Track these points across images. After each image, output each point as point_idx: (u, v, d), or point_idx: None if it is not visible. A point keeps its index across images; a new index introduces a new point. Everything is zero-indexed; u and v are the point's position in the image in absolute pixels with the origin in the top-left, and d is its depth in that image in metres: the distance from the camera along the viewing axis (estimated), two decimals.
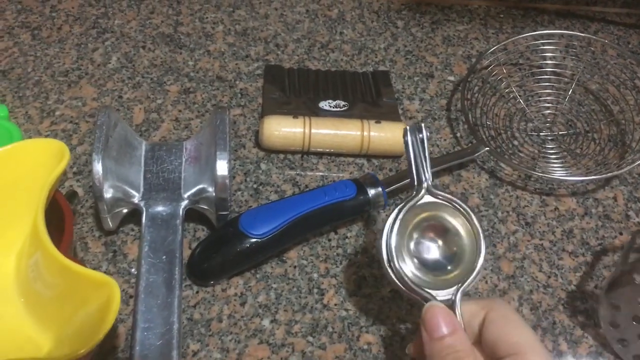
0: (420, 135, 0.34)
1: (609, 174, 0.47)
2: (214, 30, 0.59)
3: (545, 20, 0.63)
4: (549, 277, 0.43)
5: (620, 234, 0.46)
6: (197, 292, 0.40)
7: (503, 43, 0.55)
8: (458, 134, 0.52)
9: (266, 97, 0.52)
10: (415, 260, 0.33)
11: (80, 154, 0.47)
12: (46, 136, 0.48)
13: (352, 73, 0.55)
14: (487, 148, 0.47)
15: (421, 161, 0.34)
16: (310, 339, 0.38)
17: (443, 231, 0.34)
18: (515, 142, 0.51)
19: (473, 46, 0.60)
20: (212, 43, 0.57)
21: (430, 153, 0.35)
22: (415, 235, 0.34)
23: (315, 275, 0.41)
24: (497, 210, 0.46)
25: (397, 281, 0.32)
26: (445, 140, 0.51)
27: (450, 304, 0.31)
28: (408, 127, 0.35)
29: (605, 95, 0.56)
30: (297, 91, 0.52)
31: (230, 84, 0.54)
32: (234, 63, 0.56)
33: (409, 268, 0.33)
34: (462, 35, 0.61)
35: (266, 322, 0.39)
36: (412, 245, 0.34)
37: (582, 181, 0.48)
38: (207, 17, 0.60)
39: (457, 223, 0.33)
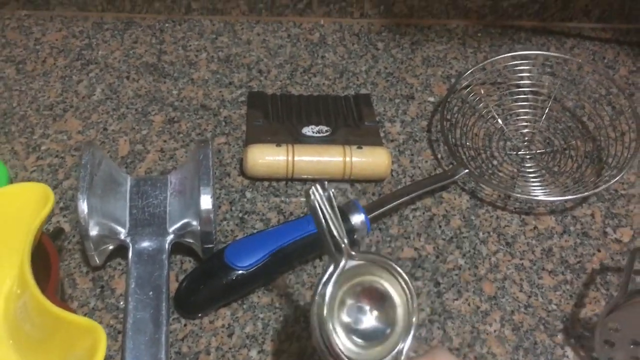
0: (326, 194, 0.31)
1: (587, 193, 0.48)
2: (197, 57, 0.59)
3: (522, 38, 0.65)
4: (530, 296, 0.44)
5: (598, 250, 0.47)
6: (185, 324, 0.40)
7: (482, 64, 0.57)
8: (439, 155, 0.53)
9: (250, 125, 0.53)
10: (349, 332, 0.31)
11: (67, 188, 0.48)
12: (32, 172, 0.49)
13: (334, 97, 0.56)
14: (467, 170, 0.48)
15: (333, 224, 0.31)
16: None
17: (375, 294, 0.31)
18: (495, 162, 0.52)
19: (452, 66, 0.61)
20: (196, 71, 0.58)
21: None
22: (346, 305, 0.31)
23: (301, 303, 0.42)
24: (479, 231, 0.47)
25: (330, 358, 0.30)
26: (426, 162, 0.52)
27: None
28: (312, 188, 0.31)
29: (581, 112, 0.57)
30: (280, 117, 0.53)
31: (214, 112, 0.54)
32: (217, 91, 0.56)
33: (341, 342, 0.30)
34: (442, 56, 0.62)
35: (254, 353, 0.39)
36: (344, 316, 0.31)
37: (560, 201, 0.49)
38: (190, 45, 0.61)
39: (386, 282, 0.31)
